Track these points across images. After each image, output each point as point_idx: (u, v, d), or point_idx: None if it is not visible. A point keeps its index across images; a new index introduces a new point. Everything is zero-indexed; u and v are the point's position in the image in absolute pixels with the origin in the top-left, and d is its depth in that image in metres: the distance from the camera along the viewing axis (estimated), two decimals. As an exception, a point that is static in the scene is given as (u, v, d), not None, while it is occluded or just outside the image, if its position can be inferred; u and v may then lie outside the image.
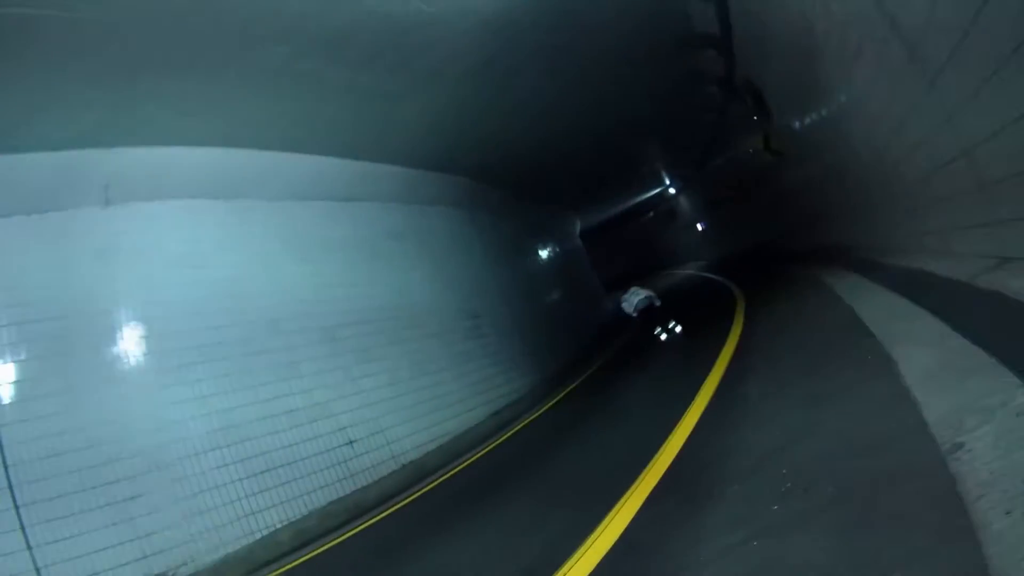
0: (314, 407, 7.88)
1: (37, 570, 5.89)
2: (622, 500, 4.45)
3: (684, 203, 32.63)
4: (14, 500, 5.95)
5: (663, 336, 15.34)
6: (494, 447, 9.32)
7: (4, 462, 6.07)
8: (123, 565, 6.23)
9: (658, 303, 20.65)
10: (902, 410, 3.21)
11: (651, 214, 38.33)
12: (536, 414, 10.87)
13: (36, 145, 6.56)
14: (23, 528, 5.97)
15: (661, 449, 5.22)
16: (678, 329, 15.48)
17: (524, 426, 10.18)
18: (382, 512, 7.60)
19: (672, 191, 31.73)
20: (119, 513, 6.35)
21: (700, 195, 27.71)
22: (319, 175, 9.36)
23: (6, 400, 6.16)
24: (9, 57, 5.29)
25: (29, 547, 5.92)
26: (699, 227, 32.21)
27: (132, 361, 6.93)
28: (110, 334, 6.91)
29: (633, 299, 21.74)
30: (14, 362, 6.29)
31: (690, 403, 6.24)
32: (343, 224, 9.61)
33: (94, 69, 5.86)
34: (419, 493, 7.96)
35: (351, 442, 8.06)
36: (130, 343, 6.98)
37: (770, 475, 3.56)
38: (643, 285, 22.88)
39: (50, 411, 6.32)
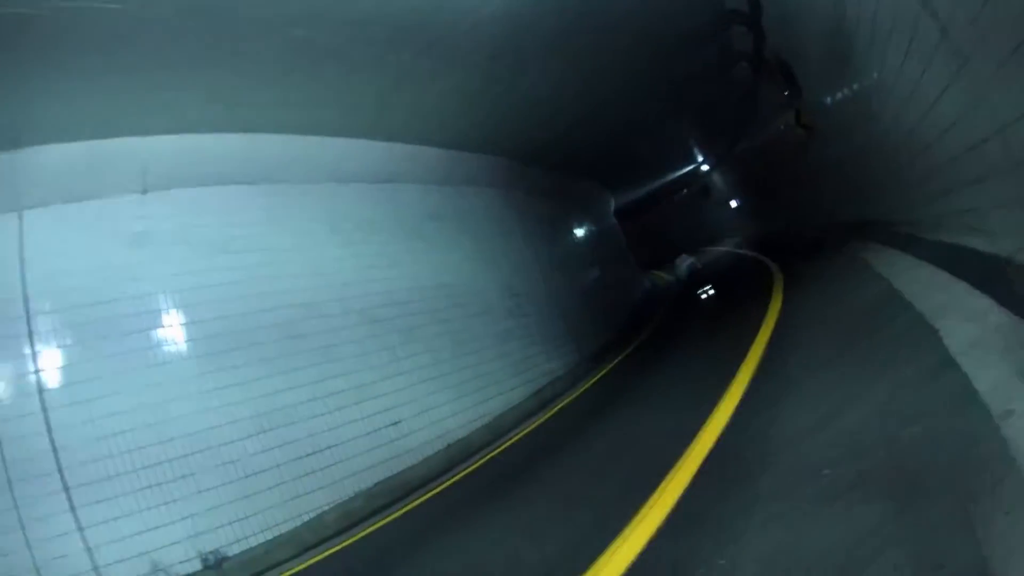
0: (358, 388, 7.67)
1: (89, 550, 5.86)
2: (670, 474, 4.23)
3: (717, 180, 31.92)
4: (64, 482, 5.91)
5: (704, 296, 16.34)
6: (537, 426, 9.07)
7: (53, 445, 6.05)
8: (174, 544, 6.17)
9: (699, 266, 27.04)
10: (948, 379, 3.03)
11: (684, 192, 37.67)
12: (578, 392, 10.57)
13: (73, 135, 6.45)
14: (73, 510, 5.95)
15: (707, 422, 4.99)
16: (715, 293, 16.21)
17: (566, 404, 9.91)
18: (429, 491, 7.41)
19: (705, 168, 31.04)
20: (168, 494, 6.28)
21: (733, 172, 27.04)
22: (354, 157, 9.11)
23: (52, 385, 6.10)
24: (41, 51, 5.17)
25: (80, 528, 5.89)
26: (733, 204, 31.54)
27: (173, 346, 6.80)
28: (150, 320, 6.77)
29: (682, 265, 27.22)
30: (59, 347, 6.21)
31: (732, 379, 5.95)
32: (382, 205, 9.37)
33: (124, 60, 5.71)
34: (466, 472, 7.76)
35: (395, 423, 7.86)
36: (170, 328, 6.85)
37: (820, 441, 3.43)
38: (688, 254, 26.67)
39: (95, 395, 6.27)
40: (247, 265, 7.54)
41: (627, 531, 3.62)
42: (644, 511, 3.79)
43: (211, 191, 7.65)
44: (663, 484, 4.09)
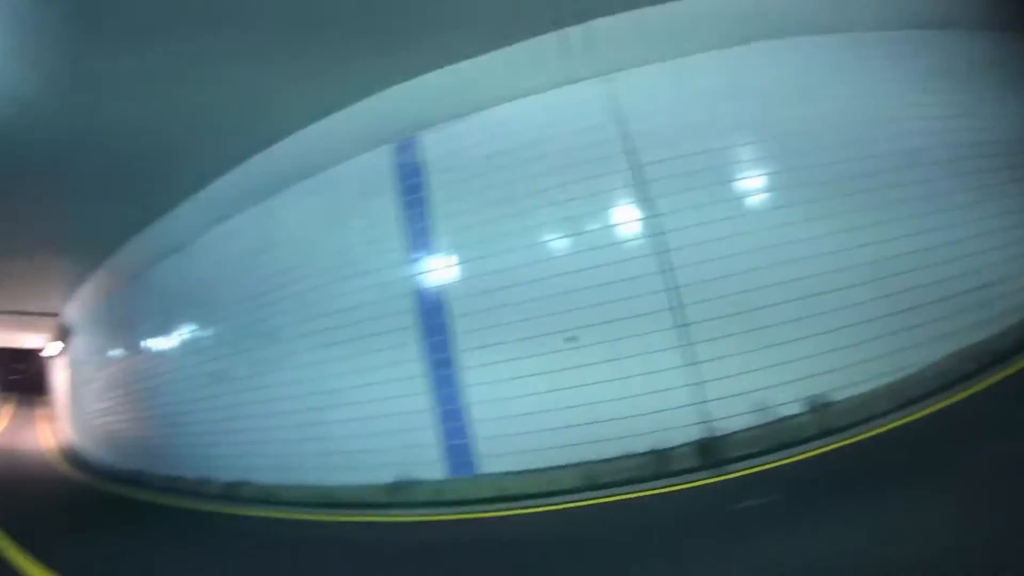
0: (949, 245, 6.70)
1: (696, 385, 6.06)
2: None
3: None
4: (680, 320, 6.19)
5: None
6: None
7: (670, 284, 6.22)
8: (776, 386, 6.07)
9: None
10: None
11: None
12: None
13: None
14: (685, 347, 6.09)
15: None
16: None
17: None
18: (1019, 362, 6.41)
19: None
20: (775, 336, 6.18)
21: None
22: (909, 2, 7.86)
23: (671, 228, 6.45)
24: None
25: (690, 363, 6.12)
26: None
27: (775, 192, 6.62)
28: (741, 166, 6.68)
29: None
30: (675, 194, 6.53)
31: None
32: (943, 53, 7.88)
33: None
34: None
35: (983, 286, 6.78)
36: (759, 175, 6.66)
37: None
38: None
39: (711, 237, 6.30)
40: (823, 114, 6.92)
41: None
42: None
43: (786, 43, 7.16)
44: None
